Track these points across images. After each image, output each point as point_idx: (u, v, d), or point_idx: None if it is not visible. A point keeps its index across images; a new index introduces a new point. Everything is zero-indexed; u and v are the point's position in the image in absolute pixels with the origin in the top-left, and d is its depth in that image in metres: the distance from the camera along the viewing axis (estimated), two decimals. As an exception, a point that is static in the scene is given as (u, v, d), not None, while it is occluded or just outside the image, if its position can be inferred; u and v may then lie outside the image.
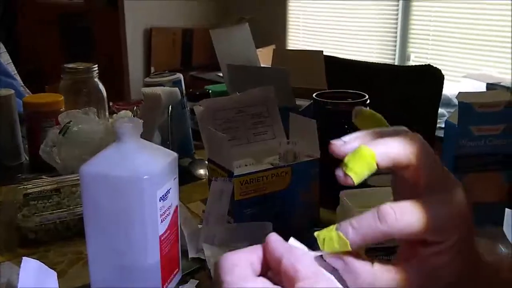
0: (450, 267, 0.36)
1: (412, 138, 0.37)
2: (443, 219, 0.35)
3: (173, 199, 0.58)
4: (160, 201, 0.54)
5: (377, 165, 0.36)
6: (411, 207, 0.35)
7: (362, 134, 0.39)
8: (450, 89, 2.11)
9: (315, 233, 0.37)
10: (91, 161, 0.54)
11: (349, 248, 0.35)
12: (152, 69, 3.50)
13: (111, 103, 1.25)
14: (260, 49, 2.36)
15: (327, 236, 0.36)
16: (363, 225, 0.34)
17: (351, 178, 0.36)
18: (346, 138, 0.39)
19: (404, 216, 0.34)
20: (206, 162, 0.77)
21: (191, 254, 0.67)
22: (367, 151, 0.36)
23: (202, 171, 0.96)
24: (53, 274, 0.57)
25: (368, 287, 0.34)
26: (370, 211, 0.35)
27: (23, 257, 0.53)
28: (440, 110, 1.59)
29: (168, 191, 0.56)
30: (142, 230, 0.53)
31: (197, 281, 0.63)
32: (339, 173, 0.36)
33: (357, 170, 0.36)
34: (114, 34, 3.61)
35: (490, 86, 2.16)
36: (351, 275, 0.35)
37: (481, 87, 2.19)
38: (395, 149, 0.36)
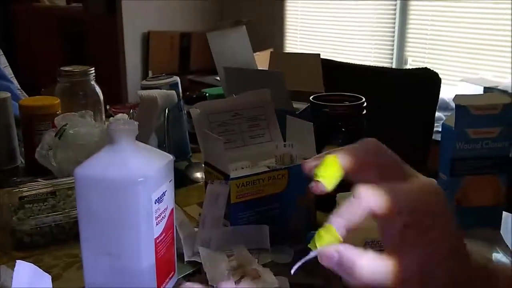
0: (439, 257, 0.37)
1: (367, 140, 0.44)
2: (407, 194, 0.39)
3: (169, 201, 0.57)
4: (155, 203, 0.54)
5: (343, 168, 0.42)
6: (382, 185, 0.39)
7: (325, 152, 0.45)
8: (447, 93, 2.11)
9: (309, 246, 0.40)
10: (85, 164, 0.53)
11: (337, 235, 0.38)
12: (150, 73, 3.50)
13: (108, 106, 1.24)
14: (257, 53, 2.36)
15: (317, 235, 0.39)
16: (342, 208, 0.39)
17: (322, 183, 0.42)
18: (314, 156, 0.46)
19: (376, 190, 0.39)
20: (203, 165, 0.76)
21: (187, 257, 0.67)
22: (330, 157, 0.43)
23: (198, 174, 0.96)
24: (48, 278, 0.57)
25: (364, 275, 0.36)
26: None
27: (17, 260, 0.52)
28: (438, 114, 1.59)
29: (163, 194, 0.56)
30: (137, 233, 0.53)
31: (193, 285, 0.63)
32: (311, 184, 0.42)
33: (324, 175, 0.42)
34: (112, 38, 3.61)
35: (487, 90, 2.16)
36: (347, 264, 0.36)
37: (478, 91, 2.19)
38: (353, 149, 0.43)
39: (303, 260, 0.39)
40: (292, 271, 0.38)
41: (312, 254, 0.38)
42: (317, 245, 0.38)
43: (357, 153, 0.43)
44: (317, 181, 0.42)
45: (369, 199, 0.39)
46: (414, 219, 0.38)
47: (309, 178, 0.44)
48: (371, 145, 0.43)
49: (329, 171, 0.42)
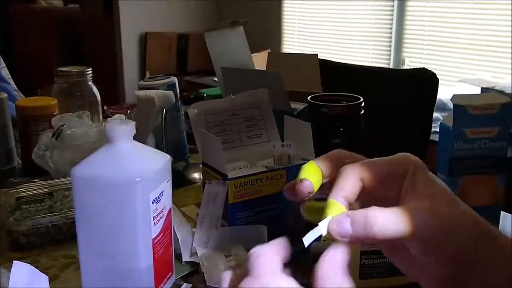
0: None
1: (335, 150, 0.44)
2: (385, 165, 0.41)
3: (166, 201, 0.57)
4: (153, 203, 0.54)
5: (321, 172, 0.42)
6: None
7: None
8: (445, 94, 2.12)
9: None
10: (82, 163, 0.53)
11: (341, 206, 0.38)
12: (147, 74, 3.50)
13: (105, 107, 1.24)
14: (255, 54, 2.36)
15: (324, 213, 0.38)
16: (335, 183, 0.40)
17: (305, 180, 0.41)
18: None
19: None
20: (201, 165, 0.76)
21: (185, 258, 0.67)
22: (307, 163, 0.42)
23: (196, 175, 0.96)
24: (45, 278, 0.57)
25: (380, 225, 0.36)
26: None
27: (14, 261, 0.52)
28: (435, 115, 1.60)
29: (161, 194, 0.55)
30: (135, 233, 0.53)
31: (191, 285, 0.63)
32: (296, 188, 0.41)
33: (306, 175, 0.41)
34: (109, 39, 3.61)
35: (484, 91, 2.17)
36: (359, 221, 0.36)
37: (476, 91, 2.20)
38: (326, 155, 0.43)
39: (312, 235, 0.38)
40: (306, 244, 0.38)
41: (322, 224, 0.37)
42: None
43: (329, 155, 0.43)
44: (302, 179, 0.41)
45: (358, 169, 0.40)
46: (400, 181, 0.40)
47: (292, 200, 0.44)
48: (339, 150, 0.44)
49: (310, 173, 0.41)
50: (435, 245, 0.37)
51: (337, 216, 0.37)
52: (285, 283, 0.34)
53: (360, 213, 0.36)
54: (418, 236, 0.36)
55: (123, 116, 1.01)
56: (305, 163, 0.72)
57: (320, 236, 0.38)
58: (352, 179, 0.40)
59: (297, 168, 0.72)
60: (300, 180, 0.41)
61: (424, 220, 0.36)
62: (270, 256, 0.36)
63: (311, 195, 0.41)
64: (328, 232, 0.37)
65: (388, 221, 0.36)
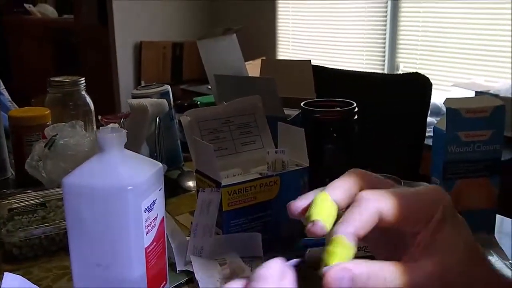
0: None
1: (352, 171, 0.39)
2: (413, 196, 0.36)
3: (159, 210, 0.57)
4: (145, 212, 0.53)
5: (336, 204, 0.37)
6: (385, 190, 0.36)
7: (313, 191, 0.39)
8: (439, 98, 2.12)
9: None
10: (73, 173, 0.52)
11: (351, 246, 0.33)
12: (142, 83, 3.49)
13: (99, 117, 1.24)
14: (250, 62, 2.36)
15: (326, 253, 0.34)
16: (348, 214, 0.35)
17: (319, 222, 0.35)
18: (299, 197, 0.39)
19: (382, 192, 0.36)
20: (195, 173, 0.76)
21: (179, 267, 0.66)
22: (321, 195, 0.37)
23: (191, 183, 0.95)
24: (37, 290, 0.56)
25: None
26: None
27: (5, 273, 0.51)
28: (430, 119, 1.59)
29: (153, 202, 0.55)
30: (127, 243, 0.52)
31: (185, 294, 0.62)
32: (308, 229, 0.36)
33: (319, 213, 0.36)
34: (104, 48, 3.61)
35: (479, 95, 2.17)
36: (361, 279, 0.32)
37: (470, 95, 2.20)
38: (342, 182, 0.38)
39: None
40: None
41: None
42: (332, 261, 0.33)
43: (346, 184, 0.38)
44: (314, 221, 0.35)
45: (378, 200, 0.35)
46: (424, 223, 0.35)
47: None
48: (357, 174, 0.39)
49: (322, 209, 0.36)
50: None
51: (336, 269, 0.32)
52: None
53: (364, 268, 0.32)
54: None
55: (116, 125, 1.00)
56: (299, 168, 0.73)
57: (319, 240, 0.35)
58: (368, 214, 0.34)
59: (291, 175, 0.73)
60: (312, 221, 0.35)
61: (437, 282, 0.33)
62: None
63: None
64: None
65: (380, 274, 0.32)
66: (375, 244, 0.41)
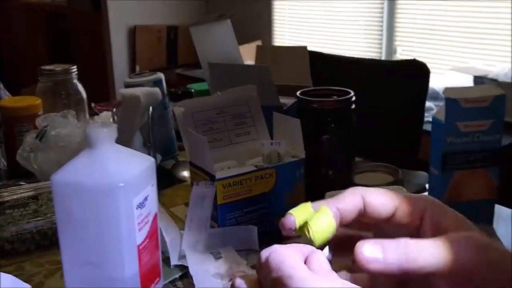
0: None
1: (354, 188, 0.39)
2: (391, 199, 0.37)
3: (152, 206, 0.55)
4: (137, 209, 0.52)
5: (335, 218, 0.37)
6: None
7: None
8: (437, 82, 2.10)
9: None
10: (62, 169, 0.51)
11: (329, 212, 0.36)
12: (137, 68, 3.46)
13: (93, 104, 1.22)
14: (245, 45, 2.34)
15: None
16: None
17: (291, 216, 0.38)
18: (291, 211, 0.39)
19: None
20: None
21: (173, 262, 0.65)
22: (322, 208, 0.37)
23: (185, 173, 0.94)
24: (28, 288, 0.55)
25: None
26: None
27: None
28: (428, 104, 1.58)
29: (145, 198, 0.53)
30: (119, 241, 0.51)
31: (180, 290, 0.61)
32: (280, 221, 0.38)
33: (294, 211, 0.38)
34: (98, 33, 3.56)
35: (477, 79, 2.15)
36: (399, 252, 0.32)
37: (468, 79, 2.18)
38: (340, 197, 0.37)
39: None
40: None
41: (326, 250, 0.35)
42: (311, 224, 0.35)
43: (345, 197, 0.38)
44: (287, 214, 0.38)
45: (362, 188, 0.37)
46: (417, 217, 0.36)
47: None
48: (359, 190, 0.39)
49: (299, 209, 0.39)
50: (475, 280, 0.32)
51: (366, 241, 0.32)
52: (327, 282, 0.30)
53: (390, 240, 0.32)
54: (458, 270, 0.32)
55: (109, 115, 0.99)
56: (295, 160, 0.71)
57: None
58: (352, 195, 0.36)
59: (287, 167, 0.71)
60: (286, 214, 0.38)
61: (469, 251, 0.32)
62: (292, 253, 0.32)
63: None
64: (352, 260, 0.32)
65: (426, 251, 0.31)
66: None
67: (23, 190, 0.80)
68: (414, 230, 0.36)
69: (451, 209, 0.36)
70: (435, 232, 0.35)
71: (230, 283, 0.61)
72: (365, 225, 0.38)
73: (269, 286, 0.31)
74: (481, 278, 0.32)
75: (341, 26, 3.06)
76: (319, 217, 0.36)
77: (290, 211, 0.38)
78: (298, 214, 0.38)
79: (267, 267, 0.31)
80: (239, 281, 0.33)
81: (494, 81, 2.07)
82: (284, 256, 0.31)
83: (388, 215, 0.36)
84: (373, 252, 0.31)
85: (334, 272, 0.32)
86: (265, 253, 0.33)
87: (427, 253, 0.32)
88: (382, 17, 2.85)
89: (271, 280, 0.31)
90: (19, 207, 0.75)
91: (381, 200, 0.36)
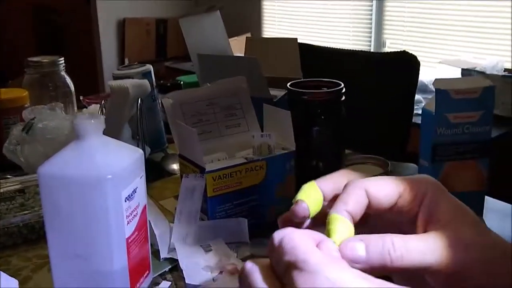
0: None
1: (342, 170, 0.40)
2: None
3: (141, 198, 0.55)
4: (125, 201, 0.51)
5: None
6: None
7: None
8: (426, 75, 2.11)
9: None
10: (49, 161, 0.50)
11: (346, 220, 0.35)
12: (126, 61, 3.43)
13: (81, 97, 1.20)
14: (235, 38, 2.32)
15: (327, 230, 0.35)
16: (338, 199, 0.36)
17: (303, 203, 0.36)
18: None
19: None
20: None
21: (163, 255, 0.64)
22: (308, 183, 0.38)
23: (175, 166, 0.93)
24: (15, 282, 0.54)
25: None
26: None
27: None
28: (417, 97, 1.58)
29: (134, 191, 0.53)
30: (107, 233, 0.50)
31: (170, 283, 0.61)
32: (291, 209, 0.37)
33: (304, 196, 0.37)
34: (87, 26, 3.53)
35: (465, 72, 2.16)
36: (382, 250, 0.32)
37: (457, 72, 2.19)
38: (330, 175, 0.38)
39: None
40: None
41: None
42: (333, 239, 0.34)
43: (334, 177, 0.38)
44: (298, 201, 0.36)
45: (363, 181, 0.36)
46: (417, 202, 0.36)
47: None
48: (347, 171, 0.40)
49: (308, 194, 0.37)
50: (466, 278, 0.32)
51: (349, 240, 0.32)
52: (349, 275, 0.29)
53: (376, 237, 0.32)
54: (446, 268, 0.32)
55: (97, 107, 0.98)
56: (286, 152, 0.71)
57: None
58: (356, 193, 0.35)
59: (278, 159, 0.71)
60: (296, 201, 0.36)
61: (455, 250, 0.32)
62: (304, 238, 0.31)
63: (307, 220, 0.37)
64: None
65: (408, 249, 0.32)
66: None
67: (10, 184, 0.79)
68: (413, 217, 0.36)
69: (450, 196, 0.36)
70: (428, 221, 0.35)
71: (221, 275, 0.60)
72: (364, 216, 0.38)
73: (282, 270, 0.30)
74: (471, 276, 0.32)
75: (330, 19, 3.06)
76: (339, 229, 0.34)
77: (299, 196, 0.37)
78: (309, 200, 0.37)
79: (280, 251, 0.31)
80: (250, 265, 0.32)
81: (482, 73, 2.08)
82: (298, 241, 0.30)
83: (392, 205, 0.36)
84: (357, 250, 0.32)
85: (344, 261, 0.31)
86: (277, 236, 0.32)
87: (414, 251, 0.32)
88: (371, 10, 2.85)
89: (284, 264, 0.30)
90: (5, 201, 0.74)
91: (385, 191, 0.36)
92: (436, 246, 0.32)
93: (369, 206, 0.36)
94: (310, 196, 0.37)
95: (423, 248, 0.32)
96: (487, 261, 0.33)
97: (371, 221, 0.37)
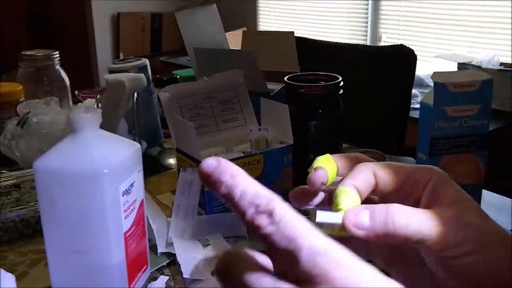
0: None
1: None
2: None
3: (138, 192, 0.54)
4: (123, 196, 0.51)
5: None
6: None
7: None
8: (422, 70, 2.10)
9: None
10: (45, 156, 0.50)
11: (353, 192, 0.35)
12: (121, 56, 3.41)
13: (76, 92, 1.20)
14: (231, 32, 2.31)
15: (334, 202, 0.34)
16: (347, 176, 0.36)
17: (321, 169, 0.36)
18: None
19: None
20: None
21: (161, 249, 0.64)
22: (324, 155, 0.38)
23: (171, 160, 0.93)
24: (11, 278, 0.54)
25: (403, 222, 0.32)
26: None
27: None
28: (413, 91, 1.58)
29: (131, 185, 0.52)
30: (105, 228, 0.50)
31: (167, 277, 0.60)
32: (309, 177, 0.36)
33: (321, 164, 0.37)
34: (81, 20, 3.50)
35: (461, 66, 2.16)
36: (386, 217, 0.32)
37: (453, 66, 2.19)
38: (355, 175, 0.37)
39: (330, 217, 0.33)
40: (319, 220, 0.33)
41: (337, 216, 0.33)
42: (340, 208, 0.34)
43: (350, 156, 0.39)
44: (317, 168, 0.36)
45: (371, 163, 0.36)
46: (421, 188, 0.36)
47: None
48: (362, 155, 0.40)
49: (325, 164, 0.37)
50: (460, 257, 0.32)
51: (355, 207, 0.33)
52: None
53: (380, 206, 0.33)
54: (442, 243, 0.32)
55: (92, 102, 0.97)
56: (283, 146, 0.71)
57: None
58: (364, 172, 0.36)
59: (275, 153, 0.70)
60: (314, 168, 0.36)
61: (453, 226, 0.32)
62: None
63: (324, 186, 0.37)
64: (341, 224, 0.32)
65: (412, 218, 0.32)
66: (390, 259, 0.39)
67: (5, 179, 0.78)
68: (417, 201, 0.36)
69: (453, 184, 0.36)
70: (431, 205, 0.35)
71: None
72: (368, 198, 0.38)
73: None
74: (466, 255, 0.32)
75: (326, 13, 3.05)
76: (346, 199, 0.34)
77: (316, 164, 0.36)
78: (326, 168, 0.37)
79: None
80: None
81: (478, 67, 2.08)
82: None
83: (397, 189, 0.36)
84: (361, 217, 0.32)
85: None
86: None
87: (415, 220, 0.32)
88: (367, 4, 2.84)
89: None
90: (1, 196, 0.73)
91: (391, 174, 0.36)
92: (436, 221, 0.33)
93: (375, 189, 0.36)
94: (326, 166, 0.37)
95: (424, 220, 0.32)
96: (485, 245, 0.33)
97: (377, 203, 0.37)
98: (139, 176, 0.54)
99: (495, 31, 2.33)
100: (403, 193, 0.36)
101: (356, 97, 1.02)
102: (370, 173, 0.36)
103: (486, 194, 0.78)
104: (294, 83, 0.79)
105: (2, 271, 0.52)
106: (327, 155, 0.38)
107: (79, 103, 1.14)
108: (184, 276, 0.59)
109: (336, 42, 1.59)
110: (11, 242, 0.68)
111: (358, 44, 2.38)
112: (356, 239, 0.33)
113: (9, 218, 0.69)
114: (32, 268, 0.62)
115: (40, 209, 0.50)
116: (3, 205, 0.71)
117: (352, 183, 0.35)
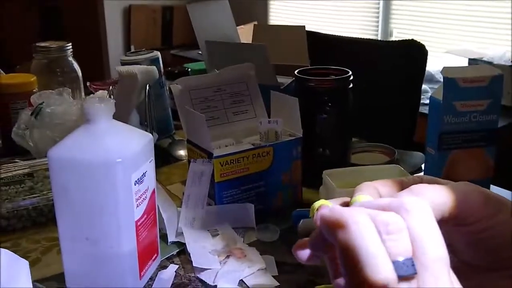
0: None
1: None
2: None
3: (150, 182, 0.55)
4: (135, 185, 0.52)
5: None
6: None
7: None
8: (432, 65, 2.09)
9: None
10: (59, 145, 0.51)
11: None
12: (132, 48, 3.43)
13: (88, 83, 1.21)
14: (241, 27, 2.31)
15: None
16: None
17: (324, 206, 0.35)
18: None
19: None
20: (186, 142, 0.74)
21: (171, 238, 0.65)
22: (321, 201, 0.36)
23: (182, 152, 0.94)
24: (25, 264, 0.55)
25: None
26: None
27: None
28: (423, 86, 1.58)
29: (144, 174, 0.53)
30: (117, 216, 0.51)
31: (177, 266, 0.61)
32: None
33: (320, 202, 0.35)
34: (92, 12, 3.52)
35: (472, 62, 2.15)
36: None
37: (463, 62, 2.18)
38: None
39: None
40: None
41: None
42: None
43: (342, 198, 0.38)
44: (321, 205, 0.35)
45: (371, 182, 0.37)
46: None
47: None
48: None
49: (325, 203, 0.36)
50: (469, 224, 0.35)
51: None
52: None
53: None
54: (458, 212, 0.34)
55: (104, 93, 0.98)
56: (292, 139, 0.71)
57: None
58: (369, 190, 0.36)
59: (285, 145, 0.71)
60: (319, 206, 0.35)
61: (466, 195, 0.35)
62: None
63: None
64: None
65: (432, 191, 0.34)
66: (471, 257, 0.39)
67: (18, 168, 0.79)
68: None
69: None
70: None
71: (228, 259, 0.61)
72: None
73: None
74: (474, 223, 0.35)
75: (337, 8, 3.04)
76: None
77: (317, 203, 0.35)
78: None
79: None
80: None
81: (489, 63, 2.07)
82: None
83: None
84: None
85: None
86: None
87: (433, 192, 0.34)
88: (378, -2, 2.83)
89: None
90: (14, 184, 0.74)
91: (391, 187, 0.37)
92: (451, 191, 0.35)
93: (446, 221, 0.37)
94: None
95: (440, 192, 0.34)
96: (493, 215, 0.35)
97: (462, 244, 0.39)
98: (151, 165, 0.55)
99: (506, 27, 2.31)
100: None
101: (366, 91, 1.03)
102: (374, 191, 0.36)
103: (494, 189, 0.78)
104: (304, 76, 0.79)
105: (17, 256, 0.53)
106: (325, 201, 0.36)
107: (91, 95, 1.15)
108: (194, 265, 0.60)
109: (347, 37, 1.59)
110: (25, 230, 0.69)
111: (369, 39, 2.38)
112: None
113: (23, 206, 0.70)
114: (45, 255, 0.64)
115: (53, 197, 0.51)
116: (16, 193, 0.72)
117: (360, 194, 0.35)
